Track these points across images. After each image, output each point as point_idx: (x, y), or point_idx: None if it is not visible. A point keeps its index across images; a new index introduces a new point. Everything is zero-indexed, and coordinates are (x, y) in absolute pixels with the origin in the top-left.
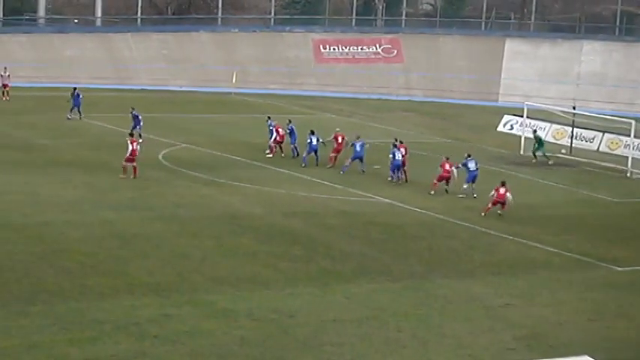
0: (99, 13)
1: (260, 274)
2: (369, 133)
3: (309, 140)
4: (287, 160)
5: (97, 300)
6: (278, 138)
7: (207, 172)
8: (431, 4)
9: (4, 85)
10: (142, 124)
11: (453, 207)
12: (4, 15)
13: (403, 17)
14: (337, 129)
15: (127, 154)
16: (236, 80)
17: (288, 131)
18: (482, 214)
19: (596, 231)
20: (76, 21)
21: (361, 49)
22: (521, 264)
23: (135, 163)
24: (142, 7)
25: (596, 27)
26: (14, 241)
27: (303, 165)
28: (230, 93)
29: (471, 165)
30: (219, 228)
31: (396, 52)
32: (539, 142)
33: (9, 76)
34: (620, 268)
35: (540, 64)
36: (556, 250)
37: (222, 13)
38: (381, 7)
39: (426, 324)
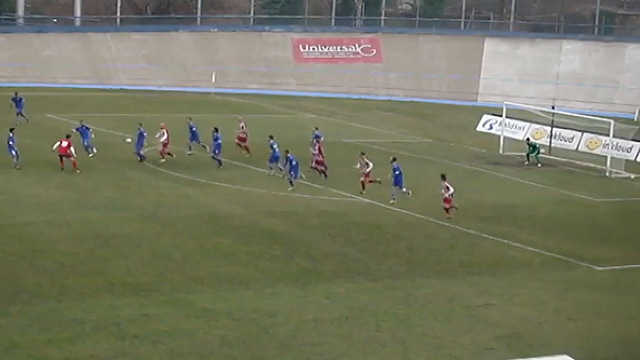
0: (78, 12)
1: (240, 274)
2: (348, 133)
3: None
4: (263, 159)
5: (76, 300)
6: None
7: (188, 172)
8: (410, 4)
9: None
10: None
11: (434, 207)
12: None
13: (382, 17)
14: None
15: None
16: (216, 80)
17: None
18: (448, 217)
19: (576, 231)
20: (55, 20)
21: (340, 48)
22: (501, 264)
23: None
24: (121, 6)
25: (575, 27)
26: None
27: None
28: (210, 93)
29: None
30: (200, 228)
31: (375, 51)
32: (533, 148)
33: None
34: (599, 268)
35: (520, 63)
36: (536, 250)
37: (201, 13)
38: (360, 7)
39: (406, 323)
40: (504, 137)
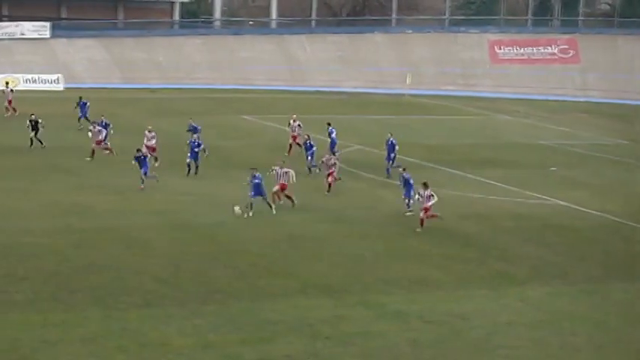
0: (274, 15)
1: (432, 276)
2: (544, 135)
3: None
4: (460, 161)
5: (269, 300)
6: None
7: (381, 173)
8: (609, 4)
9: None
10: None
11: (632, 210)
12: (181, 17)
13: (580, 17)
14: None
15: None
16: (410, 81)
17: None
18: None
19: None
20: (251, 23)
21: (537, 49)
22: None
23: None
24: (316, 9)
25: None
26: (189, 241)
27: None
28: (404, 94)
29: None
30: (391, 230)
31: (572, 52)
32: None
33: (12, 91)
34: None
35: None
36: None
37: (396, 14)
38: (557, 7)
39: (602, 328)
40: None
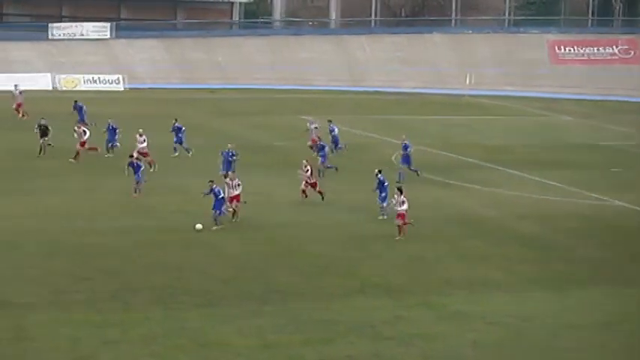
0: (334, 15)
1: (493, 277)
2: (605, 136)
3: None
4: (520, 162)
5: (330, 300)
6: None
7: (440, 174)
8: None
9: (19, 105)
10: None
11: None
12: (241, 18)
13: None
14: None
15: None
16: (470, 82)
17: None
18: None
19: None
20: (310, 23)
21: (597, 50)
22: None
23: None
24: (376, 9)
25: None
26: (249, 241)
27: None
28: (464, 95)
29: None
30: (452, 230)
31: (633, 53)
32: None
33: (20, 93)
34: None
35: None
36: None
37: (456, 15)
38: (619, 8)
39: None
40: None
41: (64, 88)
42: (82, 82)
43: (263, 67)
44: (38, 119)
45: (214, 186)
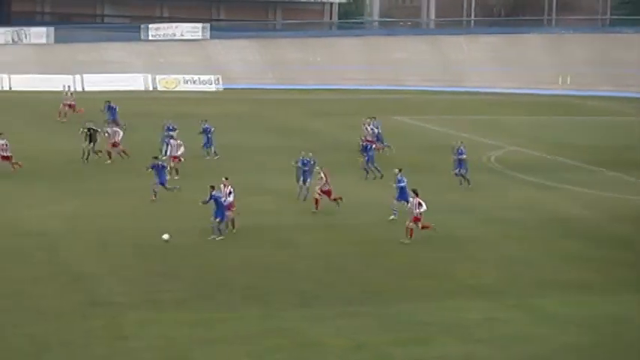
0: (430, 15)
1: (589, 280)
2: None
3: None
4: (615, 162)
5: (422, 301)
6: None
7: (536, 174)
8: None
9: (70, 106)
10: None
11: None
12: (336, 18)
13: None
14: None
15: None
16: (564, 82)
17: None
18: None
19: None
20: (402, 24)
21: None
22: None
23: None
24: (469, 8)
25: None
26: (340, 241)
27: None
28: (558, 95)
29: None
30: (547, 231)
31: None
32: None
33: (71, 94)
34: None
35: None
36: None
37: (549, 14)
38: None
39: None
40: None
41: (163, 89)
42: (182, 82)
43: (357, 68)
44: (84, 122)
45: (215, 192)
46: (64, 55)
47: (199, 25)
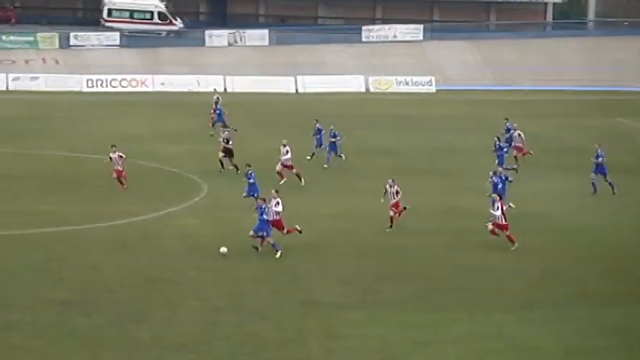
0: None
1: None
2: None
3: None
4: None
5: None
6: None
7: None
8: None
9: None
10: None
11: None
12: (553, 18)
13: None
14: None
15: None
16: None
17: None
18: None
19: None
20: (626, 23)
21: None
22: None
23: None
24: None
25: None
26: (562, 244)
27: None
28: None
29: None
30: None
31: None
32: None
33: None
34: None
35: None
36: None
37: None
38: None
39: None
40: None
41: (377, 90)
42: (395, 83)
43: (576, 69)
44: (221, 131)
45: (262, 204)
46: (282, 57)
47: (415, 26)
